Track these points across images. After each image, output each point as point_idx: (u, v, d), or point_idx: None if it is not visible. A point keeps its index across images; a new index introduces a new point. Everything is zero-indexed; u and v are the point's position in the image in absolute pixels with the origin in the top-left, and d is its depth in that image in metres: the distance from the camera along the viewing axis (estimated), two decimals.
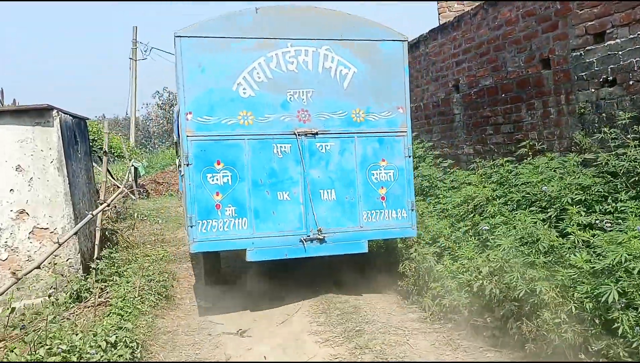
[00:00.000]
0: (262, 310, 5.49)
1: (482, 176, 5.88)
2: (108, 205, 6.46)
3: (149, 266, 6.84)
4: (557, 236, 4.01)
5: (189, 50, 5.04)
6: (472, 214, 5.33)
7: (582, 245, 3.81)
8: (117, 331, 4.17)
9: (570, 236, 3.94)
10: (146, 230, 11.39)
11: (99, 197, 7.37)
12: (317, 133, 5.33)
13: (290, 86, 5.27)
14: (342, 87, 5.38)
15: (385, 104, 5.47)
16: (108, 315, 4.95)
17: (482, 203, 5.25)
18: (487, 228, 4.59)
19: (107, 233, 8.50)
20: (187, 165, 5.08)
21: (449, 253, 5.12)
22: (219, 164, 5.16)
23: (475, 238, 5.04)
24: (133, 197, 15.24)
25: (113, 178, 16.90)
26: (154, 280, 6.30)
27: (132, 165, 15.78)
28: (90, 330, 4.19)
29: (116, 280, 6.02)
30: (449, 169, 7.27)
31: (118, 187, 15.25)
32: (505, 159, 5.64)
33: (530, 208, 4.66)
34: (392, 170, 5.50)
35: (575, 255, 3.59)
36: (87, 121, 7.73)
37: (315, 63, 5.32)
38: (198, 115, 5.07)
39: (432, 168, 7.47)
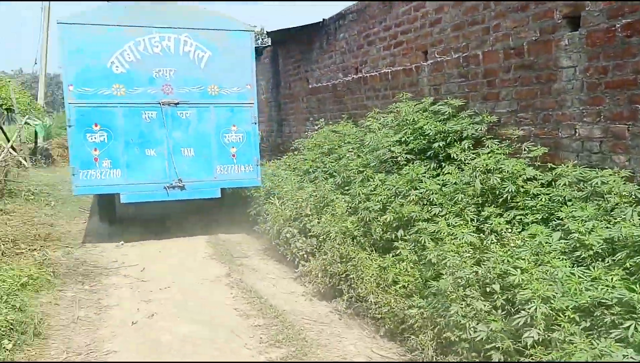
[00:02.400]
0: None
1: None
2: None
3: None
4: None
5: (70, 34, 6.28)
6: None
7: None
8: None
9: None
10: (29, 215, 7.73)
11: None
12: (178, 103, 6.70)
13: (156, 65, 6.61)
14: (200, 67, 6.77)
15: (236, 82, 6.88)
16: None
17: None
18: None
19: None
20: (70, 126, 6.39)
21: None
22: (96, 126, 6.42)
23: None
24: (26, 165, 11.26)
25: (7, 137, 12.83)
26: None
27: (27, 123, 11.71)
28: None
29: None
30: (538, 162, 4.34)
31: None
32: None
33: None
34: (242, 134, 6.97)
35: None
36: None
37: (177, 47, 6.67)
38: (78, 87, 6.34)
39: (507, 159, 4.49)
